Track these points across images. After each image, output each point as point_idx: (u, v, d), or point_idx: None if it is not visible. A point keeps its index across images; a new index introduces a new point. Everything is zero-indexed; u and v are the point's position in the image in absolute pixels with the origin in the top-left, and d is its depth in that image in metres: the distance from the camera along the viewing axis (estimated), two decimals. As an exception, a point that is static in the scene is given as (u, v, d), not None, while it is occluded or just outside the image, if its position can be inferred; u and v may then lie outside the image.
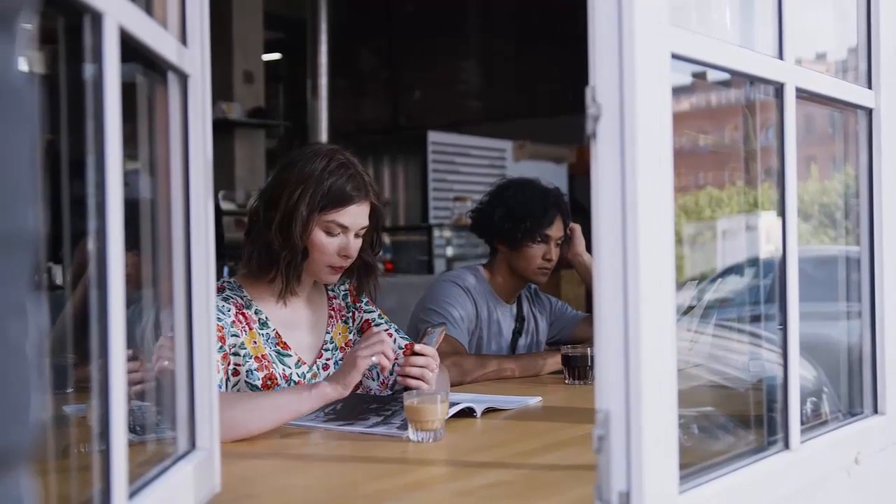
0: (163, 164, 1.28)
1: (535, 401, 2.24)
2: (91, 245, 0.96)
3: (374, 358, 1.88)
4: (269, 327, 2.12)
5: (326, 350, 2.22)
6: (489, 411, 2.07)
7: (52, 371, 1.05)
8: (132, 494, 1.03)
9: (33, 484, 0.55)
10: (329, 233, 2.09)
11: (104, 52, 0.95)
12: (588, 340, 2.82)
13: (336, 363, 2.21)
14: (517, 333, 3.00)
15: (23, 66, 0.53)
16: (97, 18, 0.94)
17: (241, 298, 2.12)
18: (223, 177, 6.91)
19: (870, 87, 1.70)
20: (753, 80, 1.46)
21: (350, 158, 2.12)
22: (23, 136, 0.50)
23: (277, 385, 2.07)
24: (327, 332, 2.24)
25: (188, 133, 1.29)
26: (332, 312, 2.27)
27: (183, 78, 1.28)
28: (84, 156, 0.96)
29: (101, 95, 0.95)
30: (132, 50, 1.05)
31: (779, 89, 1.43)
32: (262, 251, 2.10)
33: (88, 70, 0.96)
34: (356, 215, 2.10)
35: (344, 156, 2.12)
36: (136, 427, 1.25)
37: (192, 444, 1.30)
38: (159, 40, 1.15)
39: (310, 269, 2.13)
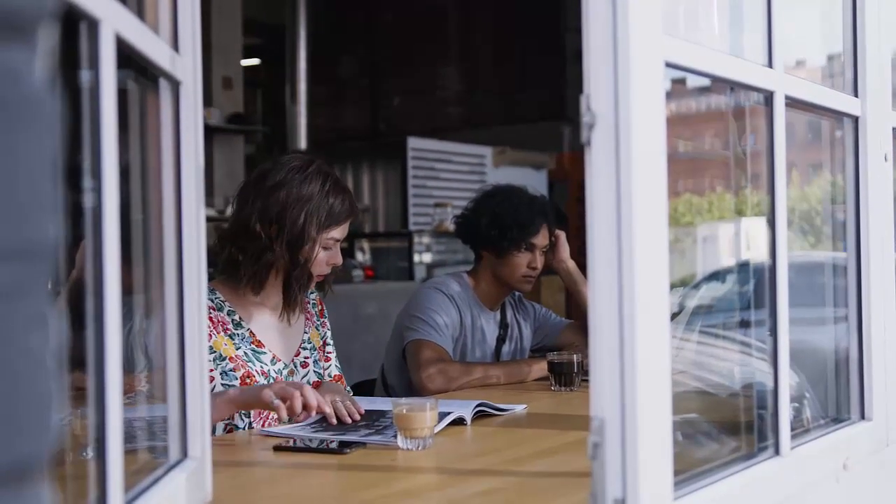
0: (154, 171, 1.27)
1: (520, 409, 2.24)
2: (84, 252, 0.95)
3: (276, 401, 1.86)
4: (243, 328, 2.18)
5: (305, 349, 2.29)
6: (479, 416, 2.07)
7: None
8: (127, 505, 1.02)
9: (54, 494, 0.54)
10: (326, 248, 2.20)
11: (101, 58, 0.94)
12: (572, 347, 2.82)
13: (315, 362, 2.30)
14: (501, 340, 2.99)
15: (42, 74, 0.52)
16: (94, 25, 0.93)
17: (212, 301, 2.14)
18: (202, 182, 6.85)
19: (856, 95, 1.71)
20: (744, 88, 1.47)
21: (336, 175, 2.24)
22: (45, 145, 0.49)
23: (256, 382, 2.12)
24: (305, 332, 2.31)
25: (180, 140, 1.28)
26: (308, 315, 2.35)
27: (175, 85, 1.27)
28: (78, 161, 0.95)
29: (98, 102, 0.94)
30: (125, 56, 1.04)
31: (768, 97, 1.44)
32: (264, 267, 2.15)
33: (84, 76, 0.95)
34: (346, 228, 2.23)
35: (331, 172, 2.22)
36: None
37: (184, 454, 1.29)
38: (153, 47, 1.15)
39: None
